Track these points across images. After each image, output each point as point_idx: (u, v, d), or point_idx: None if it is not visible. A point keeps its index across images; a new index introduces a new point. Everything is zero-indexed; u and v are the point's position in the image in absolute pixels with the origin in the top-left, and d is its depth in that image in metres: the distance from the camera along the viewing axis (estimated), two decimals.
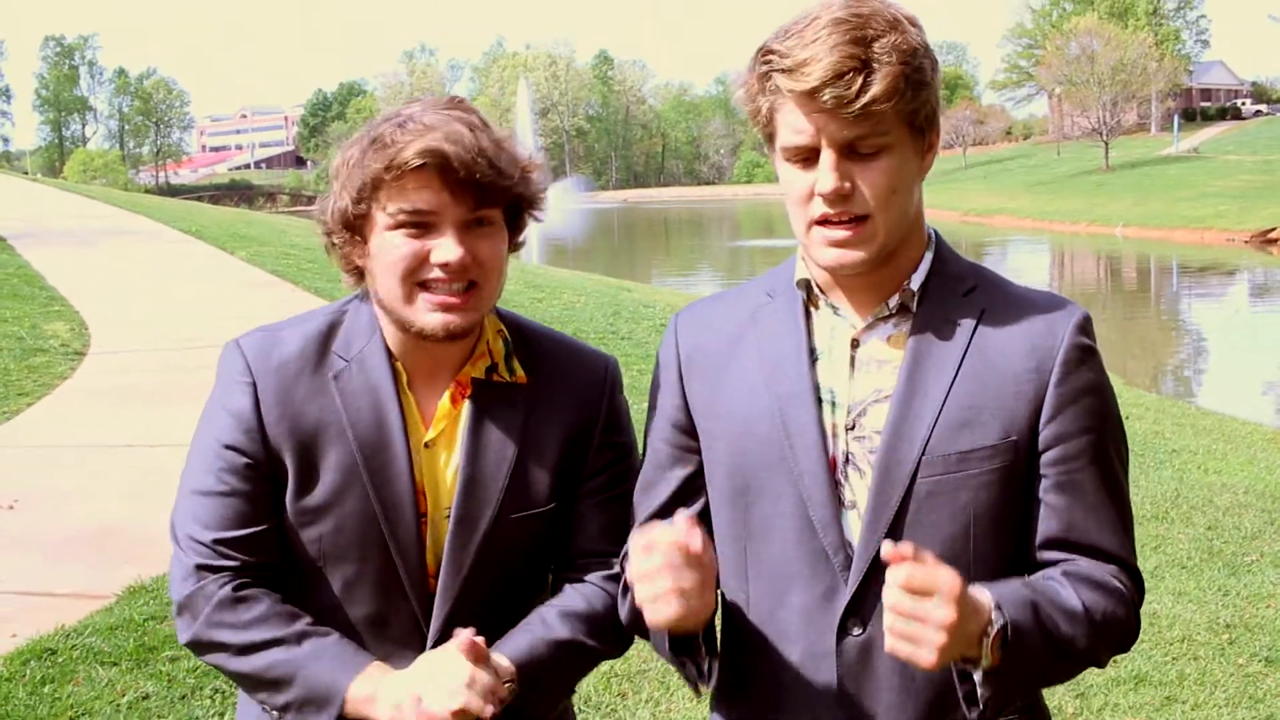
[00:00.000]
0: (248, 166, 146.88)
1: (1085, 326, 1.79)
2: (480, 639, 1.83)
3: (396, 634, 1.98)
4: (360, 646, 1.94)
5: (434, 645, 1.96)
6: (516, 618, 2.02)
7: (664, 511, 1.93)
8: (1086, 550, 1.78)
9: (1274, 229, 39.83)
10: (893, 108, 1.66)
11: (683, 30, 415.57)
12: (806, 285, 1.85)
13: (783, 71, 1.67)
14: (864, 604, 1.77)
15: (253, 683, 1.93)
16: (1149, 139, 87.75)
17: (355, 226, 1.92)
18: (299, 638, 1.89)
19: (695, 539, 1.65)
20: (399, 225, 1.88)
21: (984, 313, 1.79)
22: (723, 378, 1.90)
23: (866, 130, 1.68)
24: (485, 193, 1.88)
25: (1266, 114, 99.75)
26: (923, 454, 1.74)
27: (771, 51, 1.69)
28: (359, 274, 1.99)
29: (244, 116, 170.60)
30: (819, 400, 1.82)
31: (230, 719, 4.14)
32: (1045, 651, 1.68)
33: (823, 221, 1.73)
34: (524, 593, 2.08)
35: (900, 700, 1.78)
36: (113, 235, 21.48)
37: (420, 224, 1.87)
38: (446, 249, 1.87)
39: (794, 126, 1.71)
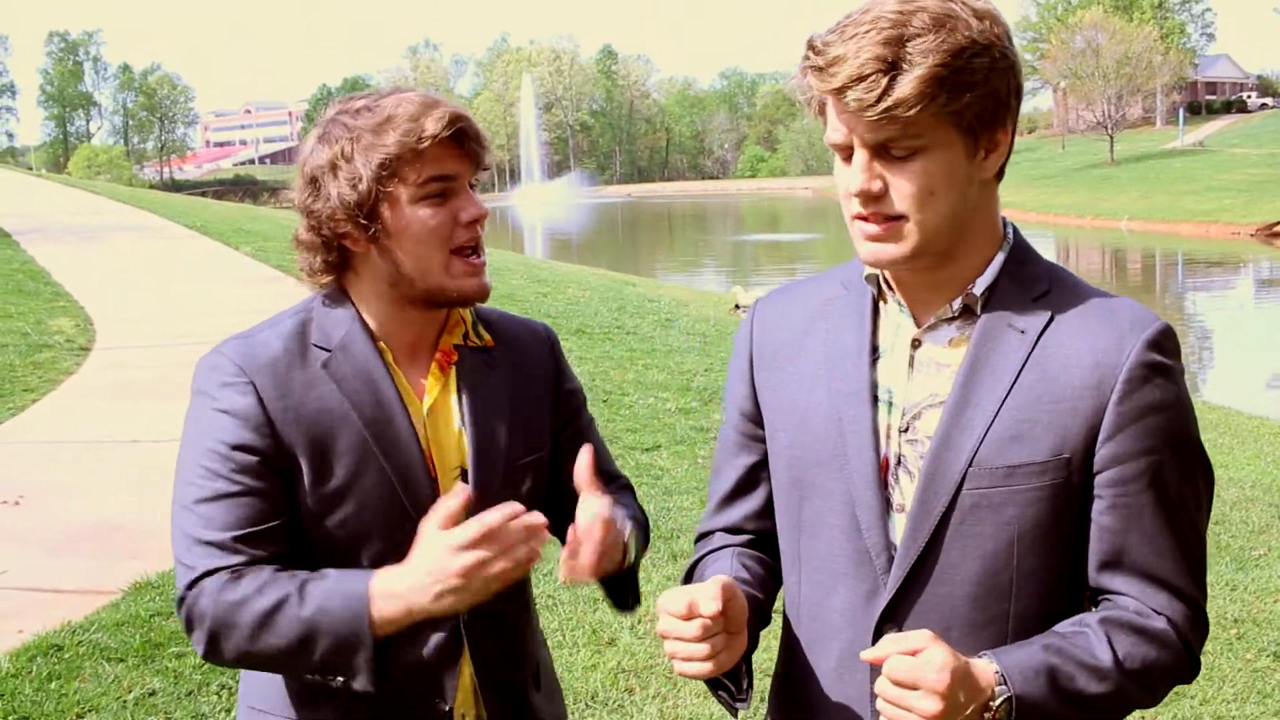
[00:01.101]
0: (252, 162, 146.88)
1: (1159, 342, 1.69)
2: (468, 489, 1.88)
3: None
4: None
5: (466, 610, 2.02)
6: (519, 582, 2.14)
7: (730, 497, 1.99)
8: (1140, 577, 1.71)
9: (1279, 222, 39.77)
10: (925, 110, 1.59)
11: (687, 24, 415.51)
12: (876, 280, 1.82)
13: (815, 69, 1.64)
14: (900, 609, 1.75)
15: (284, 654, 1.87)
16: (1154, 132, 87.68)
17: (373, 210, 1.95)
18: (301, 588, 1.86)
19: (736, 602, 1.69)
20: (426, 195, 1.96)
21: (1052, 320, 1.72)
22: (789, 369, 1.89)
23: (896, 133, 1.62)
24: (483, 155, 2.03)
25: (1272, 107, 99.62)
26: (970, 464, 1.69)
27: (812, 46, 1.65)
28: (337, 268, 2.03)
29: (248, 112, 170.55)
30: (875, 399, 1.79)
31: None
32: (1067, 714, 1.65)
33: (861, 217, 1.71)
34: None
35: None
36: (117, 231, 21.50)
37: (444, 191, 1.98)
38: (472, 206, 2.01)
39: (833, 123, 1.68)
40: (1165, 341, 1.70)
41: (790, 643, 1.92)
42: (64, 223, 22.64)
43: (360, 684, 1.85)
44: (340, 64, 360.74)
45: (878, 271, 1.80)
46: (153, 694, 4.38)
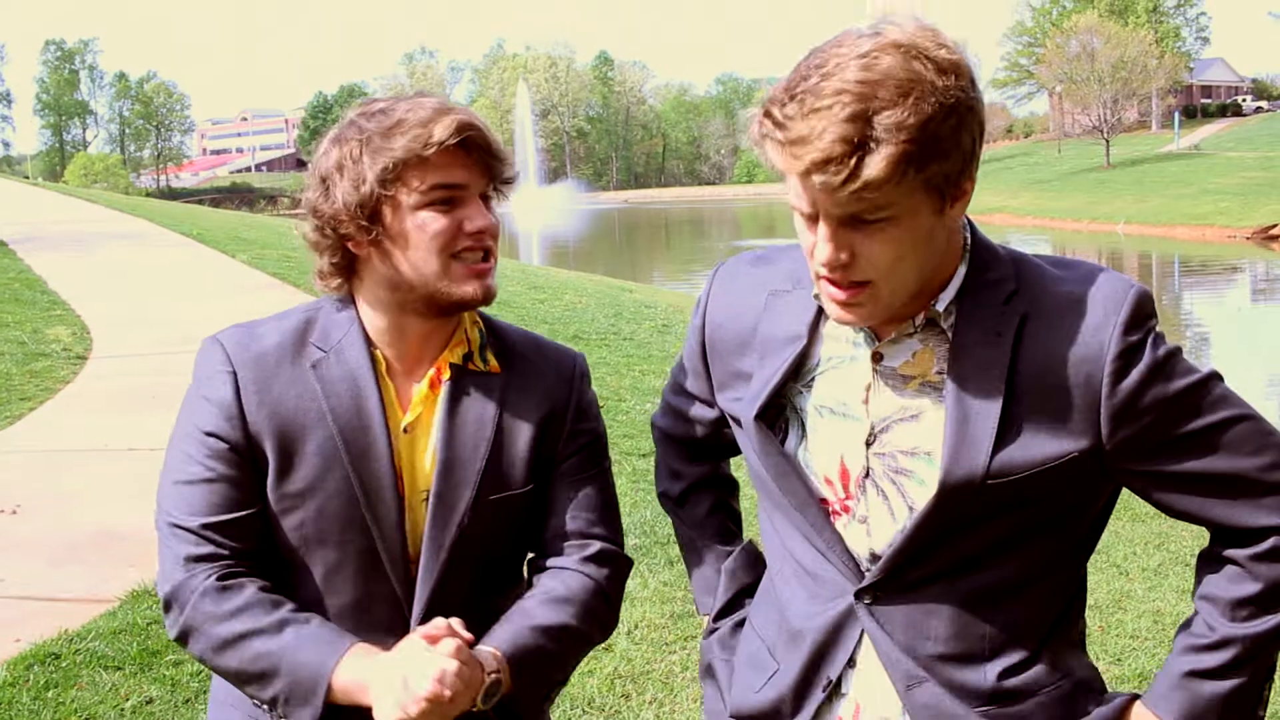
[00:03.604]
0: (248, 169, 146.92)
1: (1133, 320, 1.68)
2: (458, 622, 1.88)
3: (379, 620, 2.00)
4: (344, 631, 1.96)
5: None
6: (496, 609, 2.06)
7: (701, 446, 2.12)
8: (1237, 534, 1.74)
9: (1275, 225, 39.84)
10: (894, 186, 1.55)
11: (683, 30, 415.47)
12: None
13: (777, 144, 1.57)
14: (881, 612, 1.79)
15: (239, 677, 1.93)
16: (1150, 136, 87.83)
17: (375, 212, 1.94)
18: (279, 626, 1.90)
19: None
20: (431, 202, 1.94)
21: (1025, 319, 1.70)
22: (735, 363, 1.91)
23: (865, 206, 1.57)
24: (497, 167, 2.00)
25: (1267, 111, 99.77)
26: (986, 476, 1.68)
27: (770, 115, 1.58)
28: (344, 271, 2.03)
29: (244, 119, 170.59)
30: (793, 413, 1.83)
31: None
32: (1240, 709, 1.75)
33: (827, 279, 1.68)
34: (503, 582, 2.13)
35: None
36: (114, 239, 21.48)
37: (450, 199, 1.95)
38: (479, 217, 1.97)
39: (795, 191, 1.62)
40: (1139, 315, 1.69)
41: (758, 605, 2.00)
42: (60, 231, 22.61)
43: None
44: (337, 71, 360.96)
45: None
46: (150, 702, 4.38)
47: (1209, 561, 1.79)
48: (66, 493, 6.91)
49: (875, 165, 1.52)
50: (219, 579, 1.93)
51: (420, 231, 1.94)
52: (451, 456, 2.01)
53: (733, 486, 2.21)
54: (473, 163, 1.96)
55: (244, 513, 1.96)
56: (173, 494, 1.98)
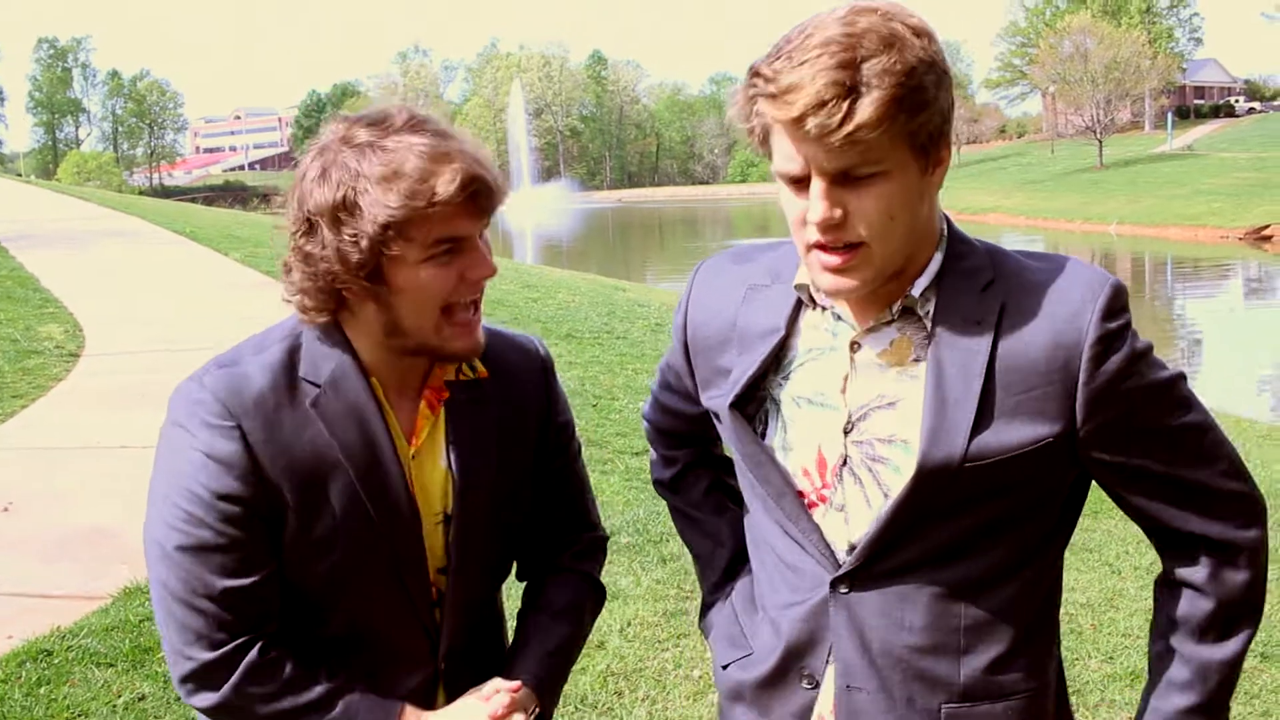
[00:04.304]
0: (242, 168, 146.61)
1: (1111, 308, 1.70)
2: (514, 687, 1.97)
3: (407, 648, 2.00)
4: (374, 672, 1.96)
5: (445, 654, 2.02)
6: (495, 602, 2.18)
7: (687, 436, 2.15)
8: (1183, 540, 1.80)
9: (1268, 226, 39.94)
10: (884, 133, 1.57)
11: (677, 30, 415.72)
12: (806, 289, 1.82)
13: (768, 97, 1.60)
14: (856, 601, 1.79)
15: None
16: (1142, 137, 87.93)
17: (374, 270, 1.82)
18: (330, 697, 1.89)
19: None
20: (433, 255, 1.83)
21: (1004, 307, 1.72)
22: (717, 360, 1.92)
23: (856, 159, 1.59)
24: (498, 204, 1.90)
25: (1260, 111, 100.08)
26: (963, 461, 1.69)
27: (759, 74, 1.62)
28: (332, 309, 1.90)
29: (238, 118, 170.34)
30: (771, 405, 1.85)
31: None
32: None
33: (819, 246, 1.69)
34: (502, 579, 2.18)
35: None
36: (107, 237, 21.43)
37: (451, 249, 1.85)
38: (481, 265, 1.88)
39: (784, 153, 1.64)
40: (1116, 304, 1.71)
41: (745, 601, 2.01)
42: (53, 229, 22.56)
43: None
44: (330, 70, 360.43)
45: (809, 282, 1.80)
46: (142, 699, 4.38)
47: (1165, 587, 1.86)
48: (58, 490, 6.90)
49: (867, 108, 1.56)
50: (259, 653, 1.85)
51: (421, 286, 1.84)
52: (467, 478, 1.98)
53: (728, 466, 2.20)
54: (476, 209, 1.84)
55: (265, 573, 1.86)
56: (184, 564, 1.84)
